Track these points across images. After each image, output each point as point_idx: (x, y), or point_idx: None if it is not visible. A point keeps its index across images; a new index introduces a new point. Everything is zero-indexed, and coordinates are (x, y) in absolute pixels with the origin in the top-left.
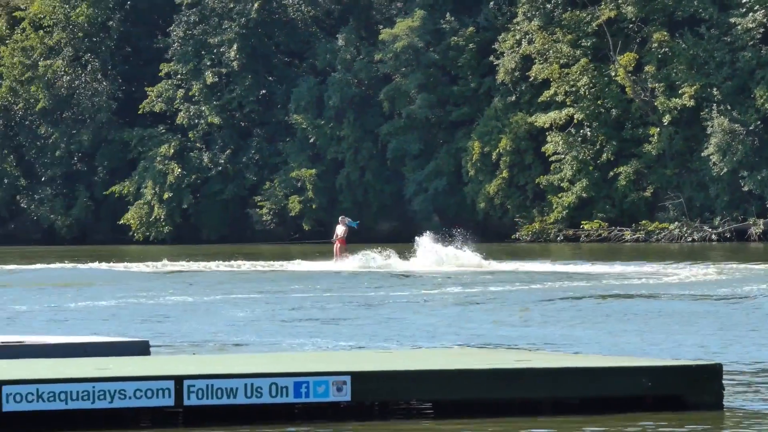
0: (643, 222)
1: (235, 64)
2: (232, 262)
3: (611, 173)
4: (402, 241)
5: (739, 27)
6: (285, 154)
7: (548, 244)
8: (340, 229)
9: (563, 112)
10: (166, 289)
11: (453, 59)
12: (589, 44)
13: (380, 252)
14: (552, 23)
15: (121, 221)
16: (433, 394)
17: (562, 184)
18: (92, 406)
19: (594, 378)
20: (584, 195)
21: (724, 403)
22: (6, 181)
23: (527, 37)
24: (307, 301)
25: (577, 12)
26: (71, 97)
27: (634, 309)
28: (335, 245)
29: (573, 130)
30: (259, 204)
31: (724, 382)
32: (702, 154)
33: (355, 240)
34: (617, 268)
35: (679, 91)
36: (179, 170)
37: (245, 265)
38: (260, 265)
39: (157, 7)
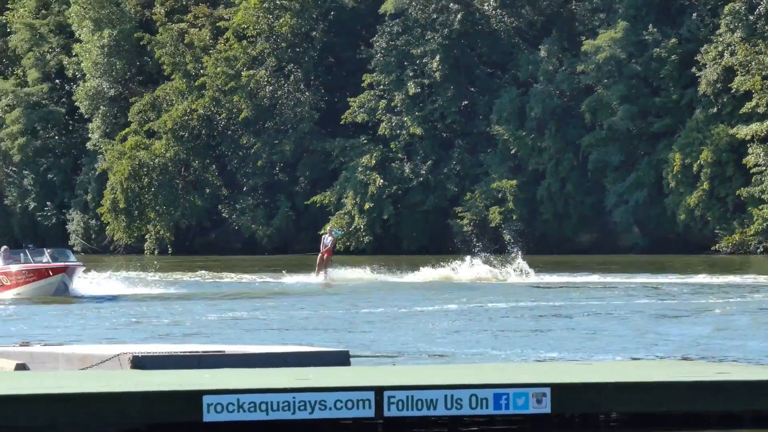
0: None
1: (437, 74)
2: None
3: None
4: (602, 252)
5: None
6: (486, 165)
7: (748, 256)
8: (328, 240)
9: (765, 124)
10: (366, 300)
11: (655, 71)
12: None
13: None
14: (755, 35)
15: (322, 231)
16: (634, 406)
17: (763, 196)
18: (292, 416)
19: None
20: None
21: None
22: (208, 190)
23: (729, 48)
24: (505, 312)
25: None
26: (274, 108)
27: None
28: (320, 256)
29: None
30: (459, 215)
31: None
32: None
33: (554, 251)
34: None
35: None
36: (381, 181)
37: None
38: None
39: (360, 18)
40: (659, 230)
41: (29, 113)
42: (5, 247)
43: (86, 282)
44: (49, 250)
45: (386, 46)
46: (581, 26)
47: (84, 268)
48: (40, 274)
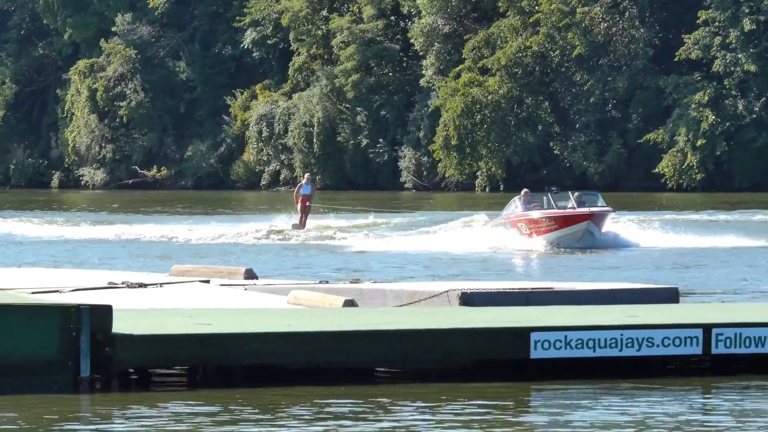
0: None
1: None
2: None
3: None
4: None
5: None
6: None
7: None
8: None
9: None
10: (696, 237)
11: None
12: None
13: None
14: None
15: (656, 170)
16: None
17: None
18: (619, 354)
19: None
20: None
21: None
22: (540, 127)
23: None
24: None
25: None
26: (608, 44)
27: None
28: (301, 206)
29: None
30: None
31: None
32: None
33: None
34: None
35: None
36: (713, 117)
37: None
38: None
39: None
40: None
41: (364, 50)
42: (526, 190)
43: None
44: (575, 194)
45: None
46: None
47: (614, 213)
48: (563, 221)
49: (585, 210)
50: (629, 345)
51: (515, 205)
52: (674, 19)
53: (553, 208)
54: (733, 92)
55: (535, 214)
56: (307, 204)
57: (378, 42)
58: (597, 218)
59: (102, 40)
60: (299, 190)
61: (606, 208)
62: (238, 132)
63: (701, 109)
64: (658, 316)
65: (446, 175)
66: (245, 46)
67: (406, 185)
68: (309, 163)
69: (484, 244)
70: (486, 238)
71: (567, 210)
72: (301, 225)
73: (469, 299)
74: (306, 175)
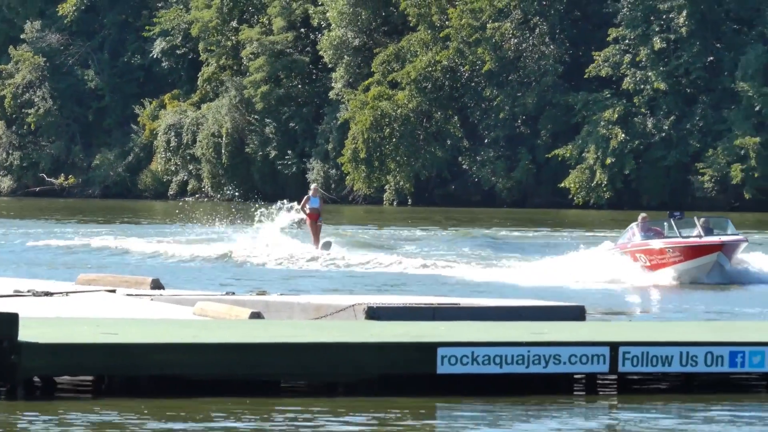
0: None
1: (683, 30)
2: None
3: None
4: None
5: None
6: (729, 122)
7: None
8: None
9: None
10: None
11: None
12: None
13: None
14: None
15: (562, 185)
16: None
17: None
18: (526, 370)
19: None
20: None
21: None
22: (449, 142)
23: None
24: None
25: None
26: (518, 60)
27: None
28: (311, 222)
29: None
30: (700, 171)
31: None
32: None
33: None
34: None
35: None
36: (623, 135)
37: None
38: None
39: None
40: None
41: (273, 62)
42: (644, 215)
43: None
44: (701, 220)
45: (633, 0)
46: None
47: (746, 243)
48: (690, 252)
49: (715, 239)
50: (536, 362)
51: (632, 232)
52: (584, 37)
53: (676, 237)
54: (643, 110)
55: (657, 243)
56: (318, 223)
57: (287, 54)
58: (728, 249)
59: (10, 47)
60: (306, 203)
61: (739, 237)
62: (147, 141)
63: (610, 126)
64: (566, 334)
65: (354, 189)
66: (154, 56)
67: None
68: (217, 173)
69: (601, 277)
70: (603, 271)
71: (693, 239)
72: (315, 244)
73: (375, 313)
74: (312, 185)
